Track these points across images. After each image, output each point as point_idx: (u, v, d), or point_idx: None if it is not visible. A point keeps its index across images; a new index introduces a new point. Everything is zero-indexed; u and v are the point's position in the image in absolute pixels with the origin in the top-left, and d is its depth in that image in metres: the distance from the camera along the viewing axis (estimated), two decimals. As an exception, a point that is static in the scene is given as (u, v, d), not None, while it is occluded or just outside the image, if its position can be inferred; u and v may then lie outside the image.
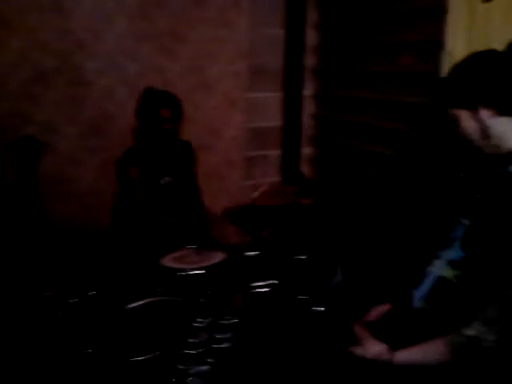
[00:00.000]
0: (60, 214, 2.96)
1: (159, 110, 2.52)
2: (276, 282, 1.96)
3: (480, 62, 1.43)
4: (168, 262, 2.15)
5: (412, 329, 1.51)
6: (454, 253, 1.46)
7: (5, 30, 2.83)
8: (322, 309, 1.78)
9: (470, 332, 1.28)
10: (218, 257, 2.16)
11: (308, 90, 3.64)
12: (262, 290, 1.94)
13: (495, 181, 1.37)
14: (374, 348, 1.47)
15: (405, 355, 1.41)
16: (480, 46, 1.88)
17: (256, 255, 2.17)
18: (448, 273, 1.45)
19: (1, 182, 2.67)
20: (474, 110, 1.39)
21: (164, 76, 3.20)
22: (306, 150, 3.74)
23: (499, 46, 2.03)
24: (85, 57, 3.03)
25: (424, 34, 2.61)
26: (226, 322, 1.66)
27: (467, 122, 1.41)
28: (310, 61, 3.59)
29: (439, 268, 1.49)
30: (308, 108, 3.67)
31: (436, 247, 1.55)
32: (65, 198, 3.11)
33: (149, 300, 1.83)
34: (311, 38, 3.56)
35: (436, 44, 2.43)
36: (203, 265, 2.05)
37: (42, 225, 2.73)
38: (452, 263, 1.45)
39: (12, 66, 2.89)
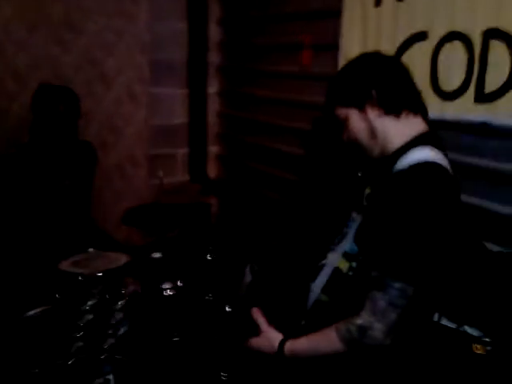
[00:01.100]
0: None
1: (53, 104, 2.38)
2: (181, 283, 1.91)
3: (368, 62, 1.47)
4: (66, 266, 2.02)
5: (311, 320, 1.51)
6: (348, 245, 1.48)
7: None
8: (229, 309, 1.76)
9: (358, 321, 1.29)
10: (121, 259, 2.06)
11: (213, 87, 3.59)
12: (168, 292, 1.89)
13: (383, 180, 1.40)
14: (265, 337, 1.47)
15: (298, 345, 1.41)
16: (373, 49, 1.95)
17: (161, 257, 2.10)
18: (343, 265, 1.48)
19: None
20: (361, 109, 1.41)
21: (57, 68, 3.00)
22: (213, 148, 3.69)
23: (391, 48, 2.14)
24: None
25: (320, 35, 2.68)
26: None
27: (356, 121, 1.43)
28: (214, 57, 3.55)
29: (334, 260, 1.51)
30: (213, 105, 3.62)
31: (330, 241, 1.58)
32: None
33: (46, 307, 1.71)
34: (215, 33, 3.52)
35: (332, 45, 2.50)
36: (104, 268, 1.95)
37: None
38: (346, 256, 1.48)
39: None
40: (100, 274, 1.83)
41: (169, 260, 2.07)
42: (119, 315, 1.55)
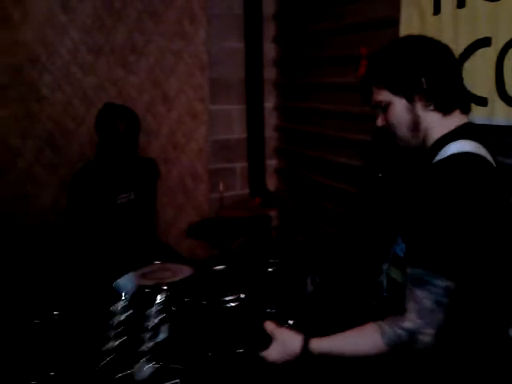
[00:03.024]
0: (22, 231, 2.85)
1: (115, 123, 2.50)
2: (243, 295, 1.92)
3: (421, 48, 1.38)
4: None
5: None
6: (398, 248, 1.40)
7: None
8: (291, 322, 1.75)
9: (407, 324, 1.22)
10: (185, 272, 2.11)
11: (269, 103, 3.64)
12: (231, 304, 1.90)
13: (421, 171, 1.33)
14: (283, 338, 1.41)
15: (331, 342, 1.35)
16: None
17: (224, 269, 2.13)
18: (395, 274, 1.41)
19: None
20: (410, 100, 1.35)
21: (122, 89, 3.15)
22: (271, 162, 3.73)
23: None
24: (38, 70, 2.94)
25: (377, 46, 2.65)
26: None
27: (400, 111, 1.37)
28: (270, 73, 3.60)
29: (389, 271, 1.45)
30: (270, 120, 3.67)
31: (385, 252, 1.52)
32: (25, 215, 2.99)
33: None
34: (270, 50, 3.58)
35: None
36: (171, 280, 2.00)
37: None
38: (395, 260, 1.40)
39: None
40: (165, 287, 1.89)
41: (231, 272, 2.10)
42: (155, 320, 1.52)
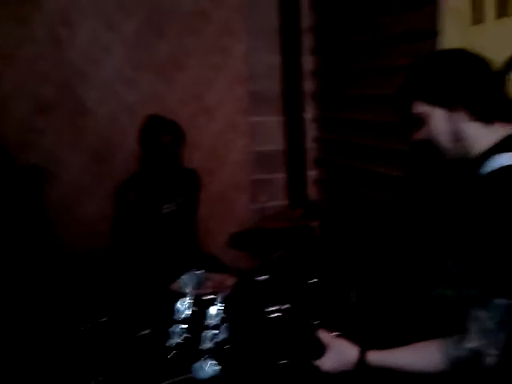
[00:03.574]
0: (69, 241, 2.96)
1: (160, 135, 2.56)
2: (288, 306, 1.93)
3: (459, 59, 1.35)
4: (178, 287, 2.13)
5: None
6: (449, 263, 1.35)
7: (2, 61, 2.87)
8: (337, 334, 1.75)
9: (471, 344, 1.19)
10: (228, 281, 2.15)
11: (308, 114, 3.66)
12: (275, 314, 1.92)
13: (470, 187, 1.28)
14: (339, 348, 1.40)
15: (390, 356, 1.33)
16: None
17: (266, 279, 2.15)
18: (447, 291, 1.41)
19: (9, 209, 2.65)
20: (450, 110, 1.31)
21: (164, 103, 3.23)
22: (312, 173, 3.75)
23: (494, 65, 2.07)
24: (85, 86, 3.06)
25: (417, 56, 2.64)
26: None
27: (440, 122, 1.33)
28: (308, 85, 3.63)
29: (439, 287, 1.45)
30: (310, 131, 3.69)
31: (434, 266, 1.50)
32: (72, 224, 3.10)
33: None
34: (308, 62, 3.60)
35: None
36: (213, 289, 2.03)
37: (54, 251, 2.72)
38: (447, 279, 1.40)
39: (12, 97, 2.92)
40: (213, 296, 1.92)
41: (274, 283, 2.12)
42: (215, 320, 1.54)
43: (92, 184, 3.16)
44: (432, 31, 2.43)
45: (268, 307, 1.92)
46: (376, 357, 1.36)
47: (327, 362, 1.41)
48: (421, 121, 1.37)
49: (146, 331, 1.78)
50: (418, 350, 1.33)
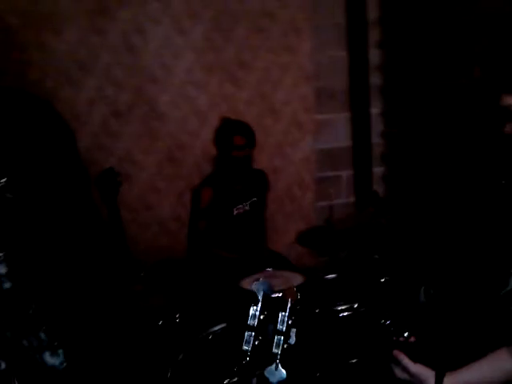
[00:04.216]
0: (142, 241, 3.10)
1: (233, 137, 2.63)
2: (358, 305, 1.94)
3: None
4: (247, 284, 2.18)
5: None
6: None
7: (81, 69, 3.04)
8: (406, 334, 1.73)
9: None
10: (297, 279, 2.18)
11: (375, 109, 3.61)
12: (345, 313, 1.93)
13: None
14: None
15: (466, 376, 1.30)
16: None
17: (335, 277, 2.17)
18: None
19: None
20: None
21: (232, 104, 3.29)
22: (378, 169, 3.70)
23: None
24: (157, 91, 3.19)
25: (489, 46, 2.54)
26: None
27: None
28: (374, 79, 3.58)
29: None
30: (376, 126, 3.64)
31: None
32: (146, 225, 3.25)
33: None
34: (374, 56, 3.55)
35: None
36: (282, 287, 2.07)
37: (125, 253, 2.86)
38: None
39: (90, 103, 3.08)
40: (279, 295, 1.96)
41: (343, 281, 2.14)
42: (285, 325, 1.52)
43: (165, 185, 3.28)
44: (507, 16, 2.33)
45: (337, 306, 1.94)
46: (453, 379, 1.33)
47: (403, 375, 1.41)
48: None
49: (218, 328, 1.84)
50: (491, 363, 1.31)
